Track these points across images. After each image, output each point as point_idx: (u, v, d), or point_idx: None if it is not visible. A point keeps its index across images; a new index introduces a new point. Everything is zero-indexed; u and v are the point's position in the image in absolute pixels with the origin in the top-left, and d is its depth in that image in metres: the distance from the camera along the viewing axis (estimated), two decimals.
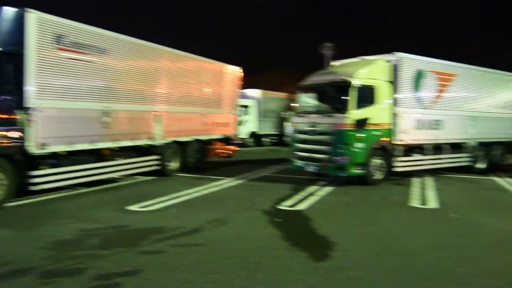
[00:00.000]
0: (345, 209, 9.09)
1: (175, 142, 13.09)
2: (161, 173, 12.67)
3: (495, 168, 15.57)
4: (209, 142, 15.11)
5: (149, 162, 12.17)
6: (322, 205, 9.23)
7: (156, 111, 12.19)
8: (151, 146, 12.12)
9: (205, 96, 14.77)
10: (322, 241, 6.53)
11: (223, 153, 16.03)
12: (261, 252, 5.87)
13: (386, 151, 12.07)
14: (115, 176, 11.41)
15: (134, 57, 11.45)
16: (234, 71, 16.50)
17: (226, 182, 11.89)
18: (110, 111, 10.48)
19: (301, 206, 8.93)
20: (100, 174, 10.46)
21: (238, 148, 16.94)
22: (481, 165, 15.20)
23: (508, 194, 11.26)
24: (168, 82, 12.76)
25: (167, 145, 12.76)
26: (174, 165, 13.24)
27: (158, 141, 12.29)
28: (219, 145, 15.72)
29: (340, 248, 6.10)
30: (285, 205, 9.01)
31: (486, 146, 15.31)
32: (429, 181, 12.81)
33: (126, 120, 11.21)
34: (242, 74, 16.84)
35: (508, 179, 13.58)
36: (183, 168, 13.59)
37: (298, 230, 7.22)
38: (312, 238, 6.77)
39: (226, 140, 16.19)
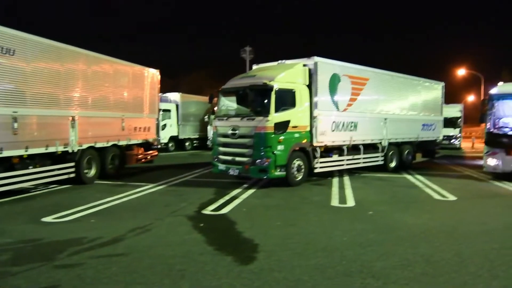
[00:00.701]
0: (268, 210, 9.20)
1: (92, 148, 12.54)
2: (79, 181, 12.10)
3: (406, 166, 16.61)
4: (129, 147, 14.67)
5: (65, 169, 11.55)
6: (246, 207, 9.29)
7: (71, 116, 11.60)
8: (66, 153, 11.52)
9: (124, 99, 14.33)
10: (247, 243, 6.56)
11: (144, 158, 15.64)
12: (185, 259, 5.77)
13: (306, 153, 12.43)
14: (27, 186, 10.71)
15: (46, 59, 10.80)
16: (153, 74, 16.16)
17: (148, 188, 11.60)
18: (20, 116, 9.80)
19: (225, 210, 8.92)
20: (9, 184, 9.74)
21: (157, 153, 16.56)
22: (393, 164, 16.13)
23: (419, 190, 12.01)
24: (83, 85, 12.21)
25: (84, 151, 12.19)
26: (92, 172, 12.71)
27: (74, 148, 11.71)
28: (139, 150, 15.31)
29: (265, 250, 6.16)
30: (209, 210, 8.95)
31: (397, 146, 16.27)
32: (347, 180, 13.37)
33: (38, 126, 10.54)
34: (159, 77, 16.51)
35: (418, 176, 14.51)
36: (102, 175, 13.08)
37: (222, 234, 7.19)
38: (236, 241, 6.77)
39: (147, 145, 15.81)
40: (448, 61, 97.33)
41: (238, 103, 12.58)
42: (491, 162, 14.05)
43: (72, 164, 11.76)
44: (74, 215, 8.35)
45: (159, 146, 17.48)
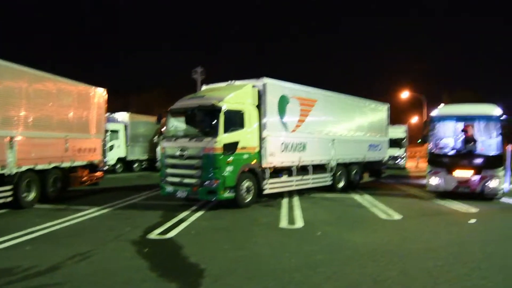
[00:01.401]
0: (216, 233, 9.02)
1: (32, 170, 11.94)
2: (16, 205, 11.45)
3: (354, 186, 16.91)
4: (73, 169, 14.09)
5: (1, 193, 10.89)
6: (193, 230, 9.08)
7: (9, 136, 11.01)
8: (3, 175, 10.89)
9: (68, 119, 13.80)
10: (193, 269, 6.35)
11: (89, 180, 15.07)
12: (126, 286, 5.51)
13: (256, 174, 12.37)
14: None
15: None
16: (100, 94, 15.73)
17: (91, 212, 11.13)
18: None
19: (171, 234, 8.66)
20: None
21: (102, 175, 15.99)
22: (341, 184, 16.37)
23: (366, 209, 12.19)
24: (23, 104, 11.64)
25: (23, 173, 11.58)
26: (31, 195, 12.08)
27: (12, 170, 11.09)
28: (84, 172, 14.75)
29: (211, 275, 5.99)
30: (155, 234, 8.66)
31: (345, 166, 16.55)
32: (297, 201, 13.40)
33: None
34: (106, 96, 16.08)
35: (366, 196, 14.78)
36: (43, 199, 12.47)
37: (168, 260, 6.94)
38: (182, 266, 6.54)
39: (92, 167, 15.27)
40: (392, 83, 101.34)
41: (186, 123, 12.42)
42: (434, 181, 14.53)
43: (10, 187, 11.13)
44: (8, 243, 7.83)
45: (105, 168, 16.94)
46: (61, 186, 13.55)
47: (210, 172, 11.24)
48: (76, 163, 14.16)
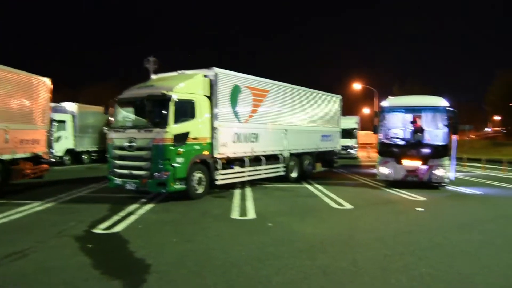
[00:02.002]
0: (165, 226, 8.74)
1: None
2: None
3: (306, 176, 17.00)
4: (14, 161, 13.35)
5: None
6: (141, 224, 8.76)
7: None
8: None
9: (8, 109, 12.98)
10: (138, 264, 6.08)
11: (32, 173, 14.33)
12: (67, 286, 5.19)
13: (207, 165, 12.15)
14: None
15: None
16: (44, 83, 14.95)
17: (34, 207, 10.55)
18: None
19: (118, 228, 8.32)
20: None
21: (48, 167, 15.24)
22: (294, 174, 16.41)
23: (318, 199, 12.26)
24: None
25: None
26: None
27: None
28: (26, 164, 14.01)
29: (157, 271, 5.75)
30: (100, 228, 8.29)
31: (298, 157, 16.59)
32: (249, 192, 13.30)
33: None
34: (51, 85, 15.32)
35: (318, 186, 14.88)
36: None
37: (112, 255, 6.63)
38: (127, 262, 6.26)
39: (36, 159, 14.53)
40: (345, 75, 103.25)
41: (135, 114, 12.00)
42: (384, 170, 14.82)
43: None
44: None
45: (51, 160, 16.19)
46: (1, 180, 12.81)
47: (160, 164, 10.92)
48: (18, 155, 13.40)
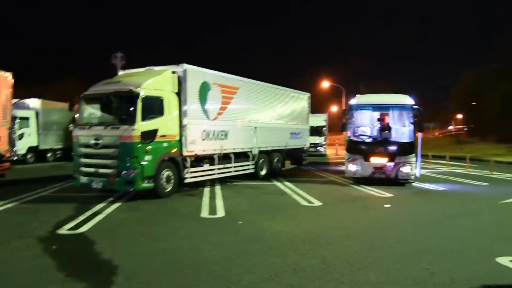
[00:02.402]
0: (133, 226, 8.58)
1: None
2: None
3: (276, 174, 17.03)
4: None
5: None
6: (108, 224, 8.57)
7: None
8: None
9: None
10: (105, 266, 5.93)
11: None
12: None
13: (176, 163, 11.99)
14: None
15: None
16: (5, 78, 14.42)
17: None
18: None
19: (84, 228, 8.10)
20: None
21: (9, 166, 14.70)
22: (264, 172, 16.41)
23: (287, 197, 12.28)
24: None
25: None
26: None
27: None
28: None
29: (125, 272, 5.62)
30: (65, 229, 8.05)
31: (267, 154, 16.60)
32: (219, 190, 13.21)
33: None
34: (12, 80, 14.78)
35: (287, 183, 14.91)
36: None
37: (78, 257, 6.44)
38: (93, 264, 6.09)
39: None
40: (313, 73, 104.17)
41: (101, 110, 11.72)
42: (352, 167, 14.98)
43: None
44: None
45: (13, 158, 15.66)
46: None
47: (128, 162, 10.70)
48: None
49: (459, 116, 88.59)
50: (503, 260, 6.26)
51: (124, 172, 10.70)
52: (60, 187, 13.78)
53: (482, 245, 7.31)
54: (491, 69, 60.49)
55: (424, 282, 5.42)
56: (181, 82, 12.08)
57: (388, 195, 12.56)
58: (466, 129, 78.94)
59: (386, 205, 10.98)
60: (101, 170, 11.04)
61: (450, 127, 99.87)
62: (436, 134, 70.85)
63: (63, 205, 10.39)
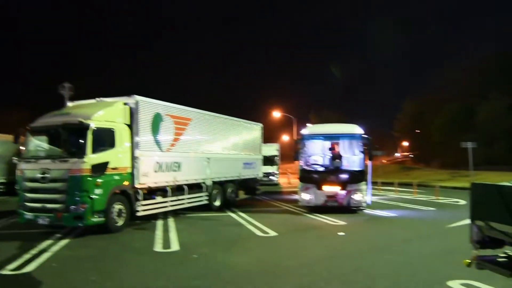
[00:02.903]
0: (82, 264, 8.18)
1: None
2: None
3: (230, 205, 16.92)
4: None
5: None
6: (56, 262, 8.15)
7: None
8: None
9: None
10: None
11: None
12: None
13: (128, 196, 11.68)
14: None
15: None
16: None
17: None
18: None
19: (29, 268, 7.65)
20: None
21: None
22: (218, 203, 16.26)
23: (242, 227, 12.20)
24: None
25: None
26: None
27: None
28: None
29: None
30: (8, 269, 7.56)
31: (221, 185, 16.50)
32: (172, 222, 12.95)
33: None
34: None
35: (242, 214, 14.83)
36: None
37: None
38: None
39: None
40: (264, 104, 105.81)
41: (49, 143, 11.32)
42: (305, 196, 15.14)
43: None
44: None
45: None
46: None
47: (77, 196, 10.31)
48: None
49: (405, 143, 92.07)
50: (454, 284, 6.45)
51: (73, 207, 10.29)
52: (2, 224, 13.05)
53: (433, 269, 7.51)
54: (433, 97, 63.60)
55: None
56: (133, 113, 11.90)
57: (342, 223, 12.74)
58: (412, 155, 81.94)
59: (340, 233, 11.12)
60: (48, 205, 10.57)
61: (397, 154, 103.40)
62: (384, 161, 73.12)
63: (6, 243, 9.80)
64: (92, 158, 10.47)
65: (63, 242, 10.02)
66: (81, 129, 10.43)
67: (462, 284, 6.41)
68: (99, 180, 10.62)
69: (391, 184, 28.55)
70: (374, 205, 16.70)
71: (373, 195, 18.82)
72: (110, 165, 11.00)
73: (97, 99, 12.52)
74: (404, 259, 8.30)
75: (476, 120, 50.72)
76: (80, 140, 10.42)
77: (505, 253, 5.15)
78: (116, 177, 11.24)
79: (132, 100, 11.99)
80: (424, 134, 66.35)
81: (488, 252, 5.29)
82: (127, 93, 12.13)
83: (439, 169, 52.02)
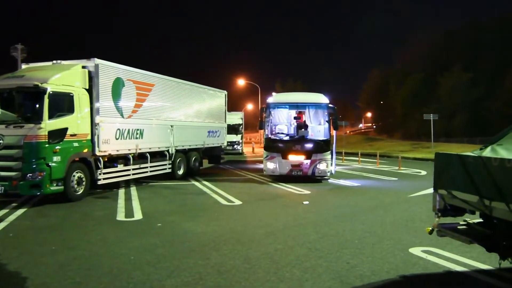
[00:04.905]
0: (41, 233, 7.87)
1: None
2: None
3: (194, 173, 16.72)
4: None
5: None
6: (13, 232, 7.81)
7: None
8: None
9: None
10: (12, 279, 5.34)
11: None
12: None
13: (88, 163, 11.30)
14: None
15: None
16: None
17: None
18: None
19: None
20: None
21: None
22: (181, 171, 16.03)
23: (207, 196, 12.08)
24: None
25: None
26: None
27: None
28: None
29: (35, 284, 5.11)
30: None
31: (184, 153, 16.24)
32: (134, 191, 12.70)
33: None
34: None
35: (206, 183, 14.69)
36: None
37: None
38: None
39: None
40: (229, 71, 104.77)
41: (2, 107, 10.71)
42: (270, 165, 15.10)
43: None
44: None
45: None
46: None
47: (34, 163, 9.88)
48: None
49: (368, 114, 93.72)
50: (415, 251, 6.59)
51: (29, 175, 9.86)
52: None
53: (396, 237, 7.62)
54: (398, 69, 64.68)
55: (346, 276, 5.50)
56: (92, 77, 11.40)
57: (306, 192, 12.81)
58: (375, 127, 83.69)
59: (304, 202, 11.16)
60: (3, 173, 10.09)
61: (360, 125, 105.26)
62: (348, 132, 74.31)
63: None
64: (49, 124, 10.01)
65: (20, 211, 9.63)
66: (37, 93, 9.93)
67: (423, 251, 6.55)
68: (57, 147, 10.21)
69: (355, 154, 28.99)
70: (338, 175, 16.90)
71: (337, 165, 19.05)
72: (69, 132, 10.58)
73: (54, 61, 11.89)
74: (368, 227, 8.39)
75: (439, 93, 51.92)
76: (36, 105, 9.94)
77: (465, 221, 5.24)
78: (75, 144, 10.82)
79: (91, 63, 11.46)
80: (388, 105, 67.62)
81: (449, 220, 5.38)
82: (86, 56, 11.59)
83: (402, 140, 53.33)
